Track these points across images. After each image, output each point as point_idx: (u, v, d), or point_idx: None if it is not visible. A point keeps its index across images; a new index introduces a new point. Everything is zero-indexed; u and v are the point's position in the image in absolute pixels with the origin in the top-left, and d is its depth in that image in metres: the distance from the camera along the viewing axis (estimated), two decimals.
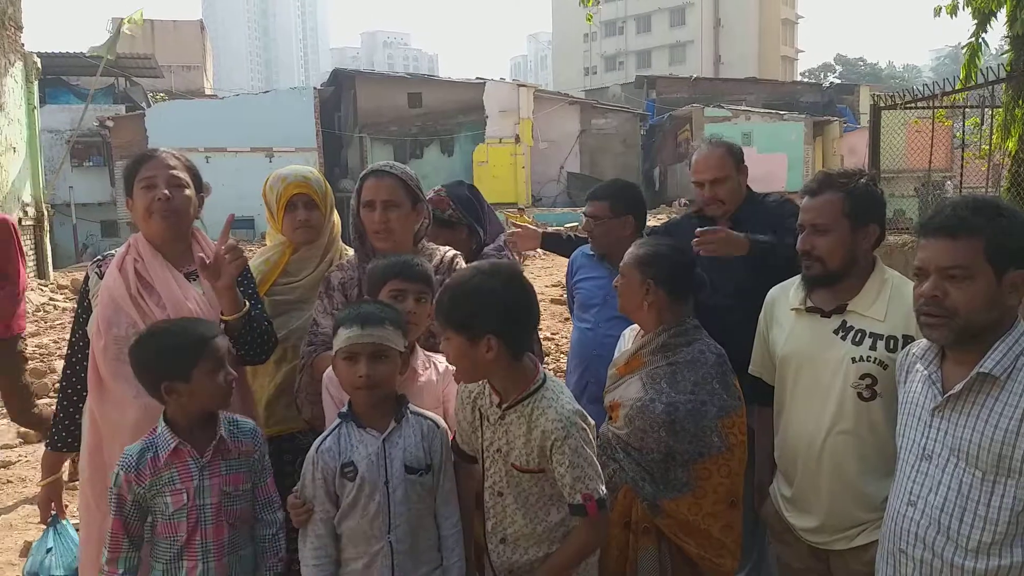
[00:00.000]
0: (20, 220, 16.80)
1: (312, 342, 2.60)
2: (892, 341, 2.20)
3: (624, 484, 2.32)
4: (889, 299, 2.24)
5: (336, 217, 2.97)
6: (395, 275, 2.36)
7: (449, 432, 2.29)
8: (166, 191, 2.44)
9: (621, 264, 2.50)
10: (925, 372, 1.93)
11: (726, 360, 2.39)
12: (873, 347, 2.22)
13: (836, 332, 2.28)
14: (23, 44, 17.35)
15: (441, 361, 2.38)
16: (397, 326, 2.20)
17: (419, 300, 2.35)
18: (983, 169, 7.55)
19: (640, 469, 2.30)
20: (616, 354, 2.57)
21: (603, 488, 2.05)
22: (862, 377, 2.21)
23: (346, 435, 2.19)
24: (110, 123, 26.35)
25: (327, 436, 2.21)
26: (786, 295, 2.46)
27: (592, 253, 3.48)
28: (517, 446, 2.09)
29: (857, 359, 2.22)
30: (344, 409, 2.22)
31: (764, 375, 2.53)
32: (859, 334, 2.25)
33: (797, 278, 2.44)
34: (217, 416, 2.23)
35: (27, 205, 17.40)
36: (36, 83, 18.34)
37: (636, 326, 2.56)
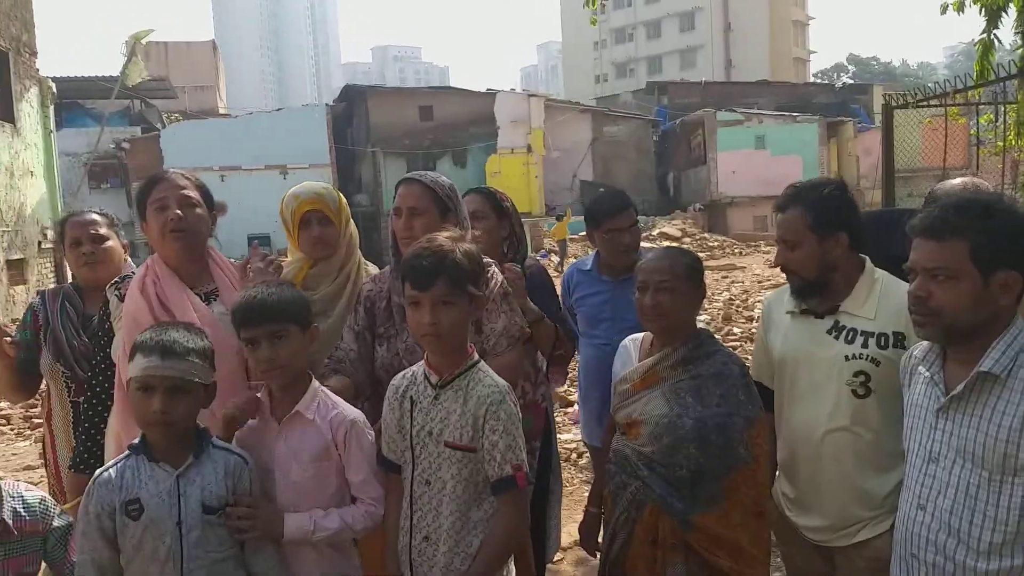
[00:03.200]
0: (40, 243, 17.03)
1: (331, 357, 2.59)
2: (883, 338, 2.24)
3: (650, 501, 2.29)
4: (879, 298, 2.28)
5: (353, 229, 2.99)
6: (239, 324, 2.17)
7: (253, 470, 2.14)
8: (178, 211, 2.46)
9: (665, 275, 2.33)
10: (927, 374, 1.94)
11: (748, 371, 2.39)
12: (865, 345, 2.25)
13: (829, 332, 2.32)
14: (38, 69, 17.62)
15: (337, 405, 2.24)
16: (204, 357, 2.06)
17: (277, 338, 2.13)
18: (1000, 166, 7.47)
19: (668, 486, 2.27)
20: (618, 367, 2.52)
21: (527, 467, 2.07)
22: (856, 375, 2.24)
23: (134, 468, 2.00)
24: (126, 145, 26.69)
25: (109, 468, 2.03)
26: (781, 300, 2.49)
27: (589, 269, 3.43)
28: (452, 421, 2.07)
29: (850, 357, 2.26)
30: (136, 440, 2.05)
31: (763, 379, 2.54)
32: (851, 333, 2.28)
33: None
34: None
35: (46, 228, 17.61)
36: (52, 107, 18.60)
37: (639, 336, 2.52)
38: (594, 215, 3.31)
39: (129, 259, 3.25)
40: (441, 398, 2.11)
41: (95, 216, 3.17)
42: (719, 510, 2.24)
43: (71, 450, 2.72)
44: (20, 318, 3.18)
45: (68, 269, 3.28)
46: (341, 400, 2.29)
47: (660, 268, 2.36)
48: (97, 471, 2.05)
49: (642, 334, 2.53)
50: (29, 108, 16.98)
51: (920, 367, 1.98)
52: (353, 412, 2.24)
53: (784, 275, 2.41)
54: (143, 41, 18.46)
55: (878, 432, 2.22)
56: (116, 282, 2.61)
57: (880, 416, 2.22)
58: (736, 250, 25.15)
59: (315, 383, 2.24)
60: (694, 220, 28.77)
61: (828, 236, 2.28)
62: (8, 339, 2.99)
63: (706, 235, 26.99)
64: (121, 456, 2.04)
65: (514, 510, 2.08)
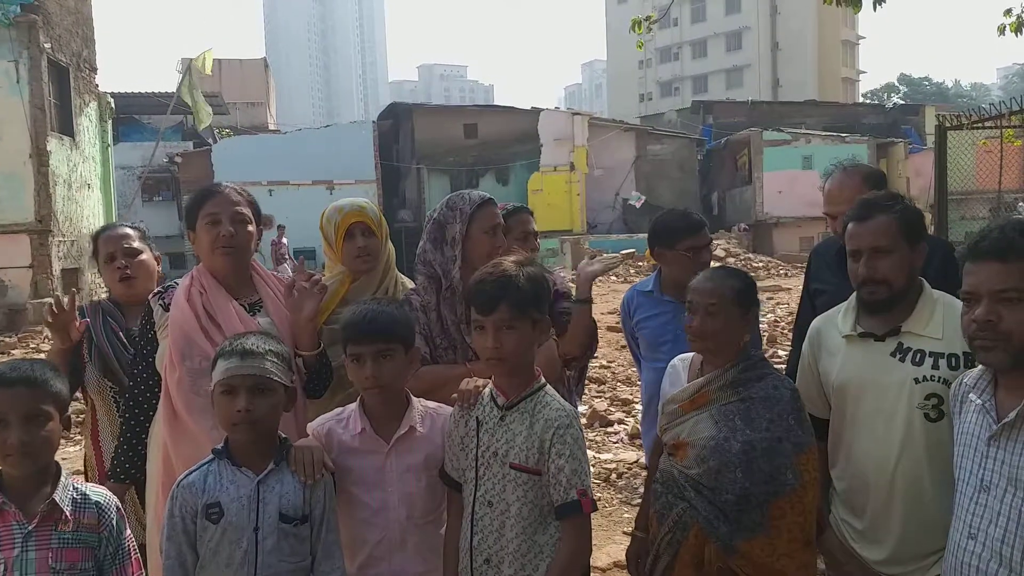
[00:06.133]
0: None
1: None
2: (953, 359, 2.17)
3: (695, 524, 2.26)
4: (944, 318, 2.22)
5: (390, 246, 3.02)
6: (347, 339, 2.23)
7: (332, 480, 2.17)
8: (231, 228, 2.49)
9: (713, 298, 2.31)
10: (979, 402, 1.89)
11: (799, 395, 2.33)
12: (935, 366, 2.19)
13: (893, 355, 2.25)
14: (97, 85, 18.18)
15: (441, 413, 2.32)
16: (282, 360, 2.11)
17: (383, 357, 2.18)
18: None
19: (714, 509, 2.24)
20: (667, 386, 2.50)
21: (592, 492, 2.08)
22: (927, 397, 2.18)
23: (216, 473, 2.04)
24: (179, 159, 27.36)
25: (193, 471, 2.07)
26: (833, 324, 2.42)
27: (650, 290, 3.36)
28: (517, 443, 2.10)
29: (921, 379, 2.19)
30: (219, 445, 2.09)
31: (812, 409, 2.46)
32: (918, 354, 2.21)
33: (841, 306, 2.42)
34: (56, 477, 1.91)
35: None
36: (110, 122, 19.15)
37: (688, 356, 2.50)
38: (672, 232, 3.20)
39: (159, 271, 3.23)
40: (507, 419, 2.14)
41: (128, 230, 3.13)
42: (765, 537, 2.19)
43: None
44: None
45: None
46: (432, 402, 2.35)
47: (708, 290, 2.33)
48: (180, 475, 2.09)
49: (691, 353, 2.50)
50: (88, 122, 17.51)
51: (971, 394, 1.93)
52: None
53: (864, 290, 2.29)
54: (207, 63, 18.84)
55: (952, 456, 2.12)
56: (159, 292, 2.63)
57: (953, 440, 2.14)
58: (782, 271, 24.78)
59: (412, 397, 2.30)
60: (739, 240, 28.43)
61: (915, 244, 2.24)
62: (76, 320, 2.89)
63: (751, 255, 26.64)
64: (204, 460, 2.08)
65: (579, 535, 2.09)
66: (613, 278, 23.14)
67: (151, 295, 2.66)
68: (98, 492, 1.99)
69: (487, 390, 2.21)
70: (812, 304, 3.07)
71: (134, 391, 2.61)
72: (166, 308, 2.55)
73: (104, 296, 3.19)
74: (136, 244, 3.09)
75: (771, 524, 2.20)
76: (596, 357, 10.49)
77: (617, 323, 13.35)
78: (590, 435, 6.70)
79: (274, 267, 18.52)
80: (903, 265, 2.23)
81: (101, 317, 3.03)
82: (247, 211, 2.56)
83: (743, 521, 2.21)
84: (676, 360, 2.54)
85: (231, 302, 2.52)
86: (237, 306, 2.52)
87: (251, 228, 2.56)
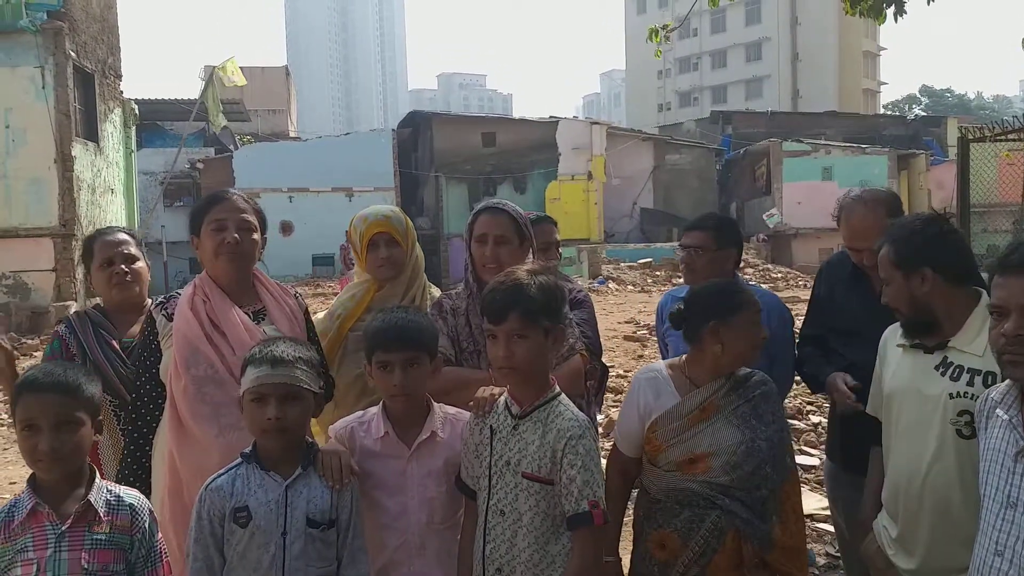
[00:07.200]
0: None
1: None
2: (991, 377, 2.14)
3: (731, 528, 2.28)
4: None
5: (419, 252, 3.03)
6: (375, 347, 2.24)
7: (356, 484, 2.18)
8: (236, 235, 2.49)
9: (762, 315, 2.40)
10: (1005, 417, 1.87)
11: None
12: (970, 383, 2.17)
13: (937, 368, 2.25)
14: (122, 92, 18.40)
15: (461, 419, 2.33)
16: (311, 367, 2.12)
17: (411, 365, 2.21)
18: None
19: (749, 509, 2.29)
20: (649, 397, 2.41)
21: (604, 504, 2.07)
22: (960, 414, 2.16)
23: (244, 477, 2.04)
24: (200, 165, 27.66)
25: (221, 475, 2.07)
26: (895, 333, 2.44)
27: (682, 296, 3.37)
28: (530, 452, 2.10)
29: (955, 395, 2.18)
30: (248, 449, 2.10)
31: (879, 414, 2.49)
32: (957, 370, 2.21)
33: None
34: (91, 478, 1.93)
35: None
36: (133, 128, 19.36)
37: (660, 366, 2.48)
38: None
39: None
40: (520, 428, 2.14)
41: (124, 235, 3.05)
42: (780, 521, 2.30)
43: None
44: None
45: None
46: (452, 408, 2.37)
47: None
48: (209, 478, 2.10)
49: (664, 363, 2.53)
50: (112, 128, 17.72)
51: (998, 410, 1.90)
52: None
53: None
54: (236, 73, 18.90)
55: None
56: (162, 302, 2.60)
57: None
58: (800, 282, 24.62)
59: (433, 403, 2.32)
60: (757, 251, 28.29)
61: (913, 273, 2.24)
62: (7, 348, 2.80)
63: (769, 266, 26.50)
64: (233, 464, 2.09)
65: (589, 546, 2.07)
66: (631, 287, 23.08)
67: (154, 305, 2.62)
68: (132, 495, 2.00)
69: (503, 399, 2.22)
70: (821, 311, 3.12)
71: (136, 403, 2.58)
72: (169, 318, 2.52)
73: (92, 305, 3.07)
74: (133, 250, 3.01)
75: (781, 508, 2.31)
76: (612, 366, 10.45)
77: (634, 332, 13.38)
78: (607, 445, 6.67)
79: (344, 272, 18.59)
80: (899, 294, 2.28)
81: (92, 329, 2.91)
82: (253, 219, 2.55)
83: (766, 512, 2.30)
84: (651, 372, 2.49)
85: (235, 310, 2.51)
86: (241, 314, 2.51)
87: (256, 236, 2.56)
